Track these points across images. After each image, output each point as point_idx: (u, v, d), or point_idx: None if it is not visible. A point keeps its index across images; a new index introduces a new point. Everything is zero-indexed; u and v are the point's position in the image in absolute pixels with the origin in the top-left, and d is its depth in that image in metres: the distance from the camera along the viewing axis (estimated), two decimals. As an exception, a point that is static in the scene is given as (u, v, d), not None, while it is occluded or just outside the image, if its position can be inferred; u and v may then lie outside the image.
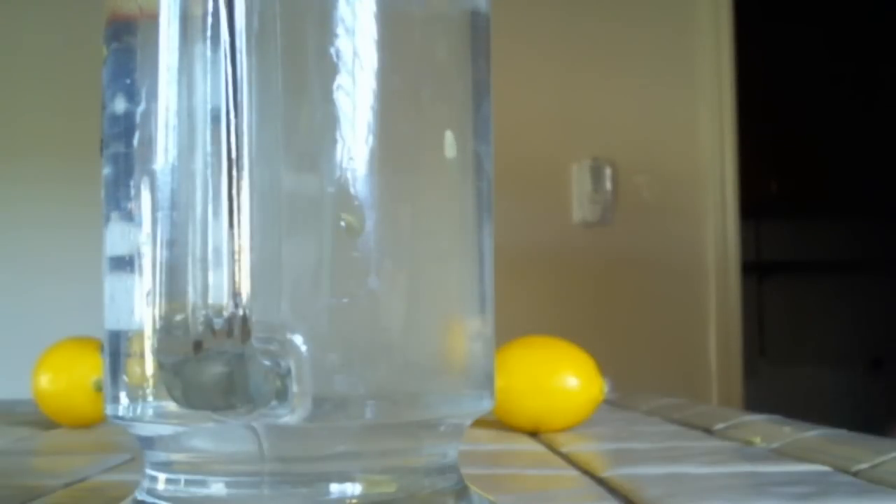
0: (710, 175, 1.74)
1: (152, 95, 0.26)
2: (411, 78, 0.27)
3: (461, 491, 0.29)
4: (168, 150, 0.25)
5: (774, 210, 2.78)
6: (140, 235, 0.27)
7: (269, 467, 0.26)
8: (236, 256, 0.23)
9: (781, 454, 0.47)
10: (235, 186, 0.23)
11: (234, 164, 0.23)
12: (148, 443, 0.28)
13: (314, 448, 0.26)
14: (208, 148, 0.24)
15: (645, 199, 1.72)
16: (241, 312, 0.23)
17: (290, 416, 0.24)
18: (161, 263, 0.25)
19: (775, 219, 2.85)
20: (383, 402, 0.26)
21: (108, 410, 0.28)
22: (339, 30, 0.26)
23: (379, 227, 0.26)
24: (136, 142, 0.27)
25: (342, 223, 0.26)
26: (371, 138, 0.26)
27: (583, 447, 0.53)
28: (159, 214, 0.26)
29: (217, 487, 0.26)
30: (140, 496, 0.28)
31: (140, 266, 0.27)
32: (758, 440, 0.51)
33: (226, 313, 0.23)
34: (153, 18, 0.25)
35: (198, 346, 0.23)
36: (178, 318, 0.24)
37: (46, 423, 0.64)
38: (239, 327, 0.23)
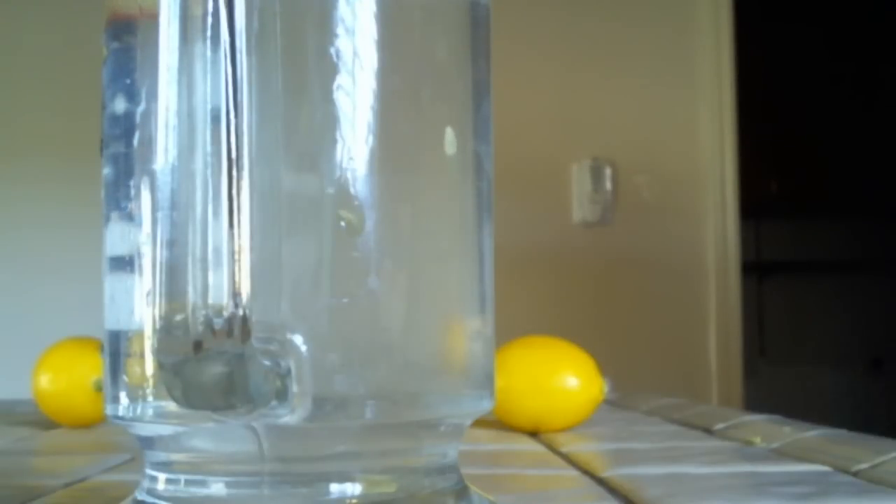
0: (710, 175, 1.74)
1: (152, 95, 0.26)
2: (411, 78, 0.27)
3: (461, 491, 0.29)
4: (168, 150, 0.25)
5: (774, 210, 2.78)
6: (140, 235, 0.27)
7: (269, 467, 0.26)
8: (236, 256, 0.23)
9: (781, 454, 0.47)
10: (235, 186, 0.23)
11: (234, 164, 0.23)
12: (148, 443, 0.28)
13: (314, 448, 0.26)
14: (208, 148, 0.24)
15: (645, 199, 1.72)
16: (241, 312, 0.23)
17: (290, 416, 0.24)
18: (161, 263, 0.25)
19: (775, 219, 2.85)
20: (383, 402, 0.26)
21: (108, 410, 0.28)
22: (339, 30, 0.26)
23: (379, 227, 0.26)
24: (136, 142, 0.27)
25: (342, 223, 0.26)
26: (371, 138, 0.26)
27: (583, 447, 0.53)
28: (159, 214, 0.26)
29: (217, 487, 0.26)
30: (140, 496, 0.28)
31: (140, 266, 0.27)
32: (758, 440, 0.51)
33: (226, 313, 0.23)
34: (153, 18, 0.25)
35: (198, 346, 0.23)
36: (178, 318, 0.24)
37: (46, 423, 0.64)
38: (239, 327, 0.23)
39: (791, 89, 2.77)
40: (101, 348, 0.29)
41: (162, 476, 0.28)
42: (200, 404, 0.24)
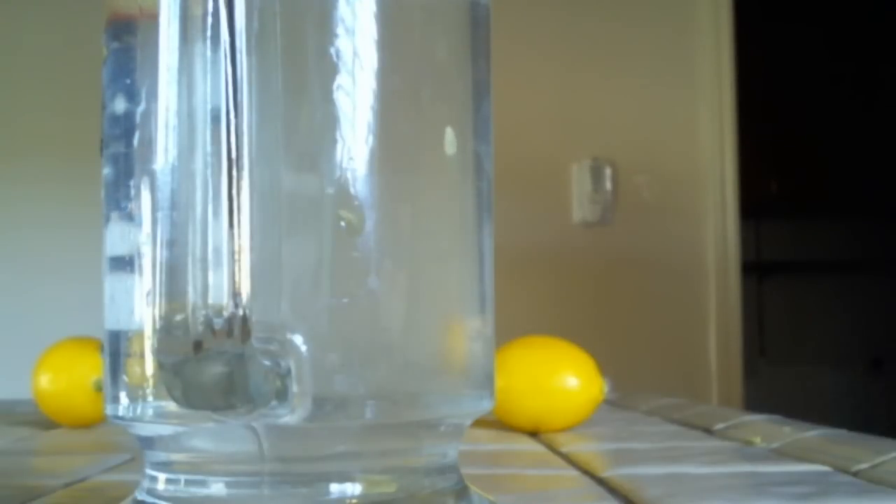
0: (710, 175, 1.74)
1: (152, 95, 0.26)
2: (411, 78, 0.27)
3: (461, 491, 0.29)
4: (168, 150, 0.25)
5: (774, 210, 2.78)
6: (140, 235, 0.27)
7: (269, 467, 0.26)
8: (236, 256, 0.23)
9: (781, 454, 0.47)
10: (235, 186, 0.23)
11: (234, 164, 0.23)
12: (148, 443, 0.28)
13: (314, 448, 0.26)
14: (208, 148, 0.24)
15: (645, 199, 1.72)
16: (241, 312, 0.23)
17: (290, 416, 0.24)
18: (161, 263, 0.25)
19: (775, 219, 2.85)
20: (383, 402, 0.26)
21: (108, 410, 0.28)
22: (339, 30, 0.26)
23: (379, 227, 0.26)
24: (136, 142, 0.27)
25: (342, 223, 0.26)
26: (371, 138, 0.26)
27: (583, 447, 0.53)
28: (159, 214, 0.26)
29: (217, 487, 0.26)
30: (140, 496, 0.28)
31: (140, 266, 0.27)
32: (758, 440, 0.51)
33: (226, 313, 0.23)
34: (153, 18, 0.25)
35: (198, 346, 0.23)
36: (178, 318, 0.24)
37: (46, 423, 0.64)
38: (239, 327, 0.23)
39: (791, 89, 2.77)
40: (101, 348, 0.29)
41: (162, 476, 0.28)
42: (200, 404, 0.24)
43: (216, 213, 0.23)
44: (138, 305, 0.27)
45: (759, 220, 2.73)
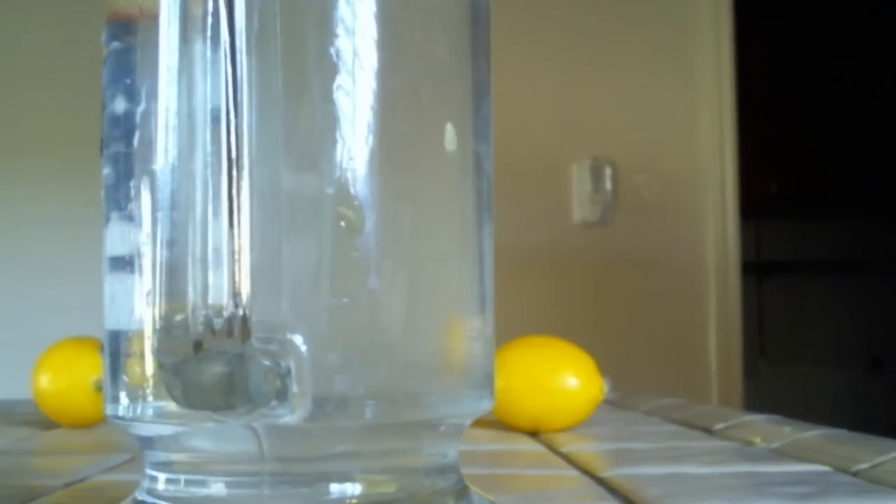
0: (710, 175, 1.74)
1: (152, 95, 0.26)
2: (411, 78, 0.27)
3: (461, 491, 0.29)
4: (168, 150, 0.25)
5: (774, 210, 2.78)
6: (140, 235, 0.27)
7: (269, 467, 0.26)
8: (236, 256, 0.23)
9: (781, 454, 0.47)
10: (235, 186, 0.23)
11: (234, 164, 0.23)
12: (148, 443, 0.28)
13: (314, 448, 0.26)
14: (208, 148, 0.24)
15: (645, 199, 1.72)
16: (241, 312, 0.23)
17: (290, 416, 0.24)
18: (161, 263, 0.25)
19: (775, 219, 2.86)
20: (383, 402, 0.26)
21: (108, 410, 0.28)
22: (339, 30, 0.26)
23: (379, 227, 0.26)
24: (136, 142, 0.27)
25: (342, 223, 0.26)
26: (371, 138, 0.26)
27: (583, 447, 0.53)
28: (159, 214, 0.26)
29: (217, 487, 0.26)
30: (140, 496, 0.28)
31: (140, 266, 0.27)
32: (758, 440, 0.51)
33: (226, 313, 0.23)
34: (153, 18, 0.25)
35: (198, 346, 0.23)
36: (178, 318, 0.24)
37: (46, 423, 0.64)
38: (239, 327, 0.23)
39: (791, 89, 2.77)
40: (101, 348, 0.29)
41: (162, 476, 0.28)
42: (200, 404, 0.24)
43: (216, 213, 0.23)
44: (138, 305, 0.27)
45: (759, 220, 2.73)
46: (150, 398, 0.27)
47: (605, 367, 0.61)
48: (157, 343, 0.25)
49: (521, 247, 1.65)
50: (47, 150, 1.67)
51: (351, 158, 0.26)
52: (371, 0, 0.26)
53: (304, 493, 0.26)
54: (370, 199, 0.26)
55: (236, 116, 0.24)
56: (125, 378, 0.27)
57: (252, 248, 0.24)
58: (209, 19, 0.24)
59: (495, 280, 0.30)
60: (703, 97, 1.74)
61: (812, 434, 0.52)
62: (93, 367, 0.60)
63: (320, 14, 0.26)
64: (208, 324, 0.23)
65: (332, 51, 0.26)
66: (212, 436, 0.26)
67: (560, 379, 0.59)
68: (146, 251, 0.26)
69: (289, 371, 0.24)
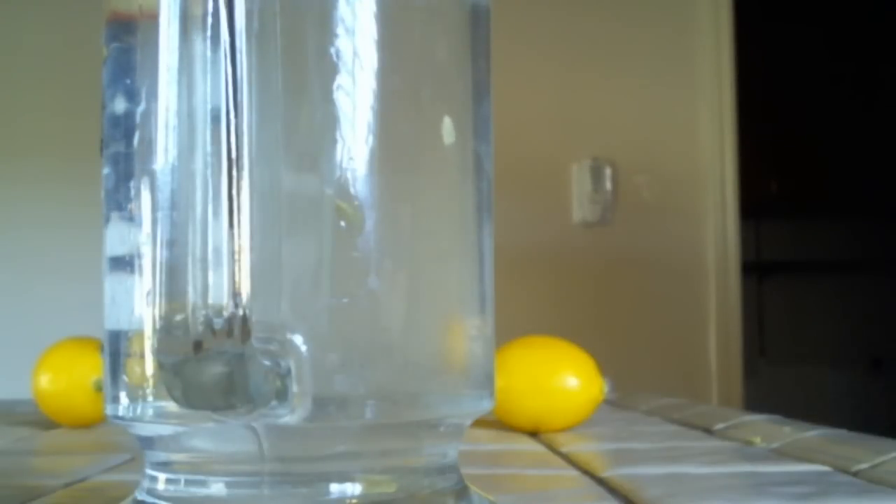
0: (710, 175, 1.74)
1: (152, 95, 0.26)
2: (411, 78, 0.27)
3: (461, 491, 0.29)
4: (168, 150, 0.25)
5: (774, 210, 2.78)
6: (140, 236, 0.27)
7: (269, 467, 0.26)
8: (236, 256, 0.23)
9: (781, 454, 0.47)
10: (235, 186, 0.23)
11: (234, 164, 0.23)
12: (148, 443, 0.28)
13: (314, 448, 0.26)
14: (208, 148, 0.24)
15: (645, 199, 1.72)
16: (241, 312, 0.23)
17: (290, 416, 0.24)
18: (161, 263, 0.25)
19: (775, 219, 2.86)
20: (383, 402, 0.26)
21: (108, 410, 0.28)
22: (339, 30, 0.26)
23: (379, 227, 0.26)
24: (136, 142, 0.27)
25: (342, 222, 0.26)
26: (371, 138, 0.26)
27: (583, 447, 0.53)
28: (159, 214, 0.26)
29: (217, 487, 0.26)
30: (140, 496, 0.28)
31: (140, 266, 0.27)
32: (758, 440, 0.51)
33: (226, 313, 0.23)
34: (153, 18, 0.25)
35: (198, 346, 0.23)
36: (178, 318, 0.24)
37: (46, 423, 0.64)
38: (239, 327, 0.23)
39: (791, 89, 2.77)
40: (101, 348, 0.29)
41: (162, 476, 0.28)
42: (200, 404, 0.24)
43: (216, 213, 0.23)
44: (138, 305, 0.27)
45: (759, 220, 2.73)
46: (150, 398, 0.27)
47: (605, 367, 0.61)
48: (157, 343, 0.25)
49: (521, 247, 1.65)
50: (47, 150, 1.67)
51: (351, 158, 0.26)
52: (371, 0, 0.26)
53: (304, 493, 0.26)
54: (370, 199, 0.26)
55: (236, 116, 0.24)
56: (125, 378, 0.27)
57: (252, 248, 0.24)
58: (209, 19, 0.24)
59: (495, 280, 0.30)
60: (703, 97, 1.74)
61: (812, 434, 0.52)
62: (93, 367, 0.60)
63: (320, 14, 0.26)
64: (208, 324, 0.23)
65: (332, 51, 0.26)
66: (212, 436, 0.26)
67: (560, 379, 0.59)
68: (146, 251, 0.26)
69: (289, 371, 0.24)
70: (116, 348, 0.28)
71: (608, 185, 1.71)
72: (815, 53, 2.80)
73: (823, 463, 0.43)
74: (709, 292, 1.73)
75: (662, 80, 1.74)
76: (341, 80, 0.26)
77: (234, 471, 0.26)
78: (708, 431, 0.57)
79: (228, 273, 0.23)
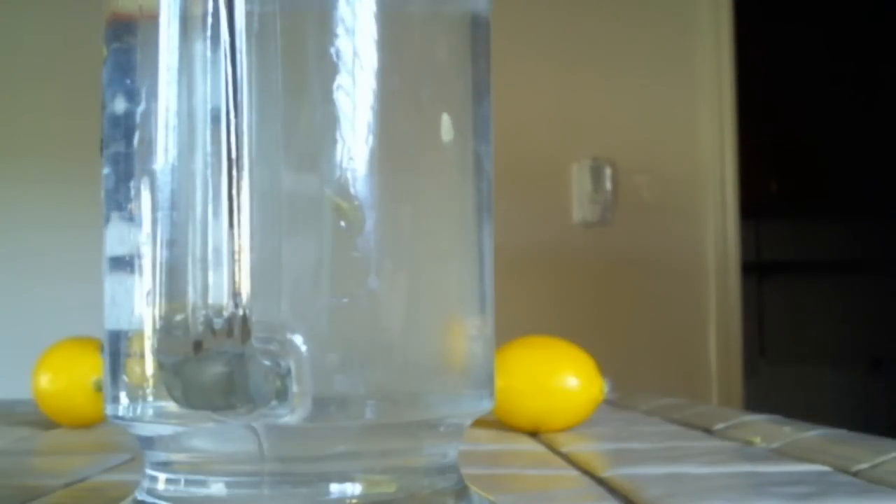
0: (710, 175, 1.74)
1: (152, 95, 0.26)
2: (411, 78, 0.27)
3: (461, 491, 0.29)
4: (168, 150, 0.25)
5: (774, 210, 2.78)
6: (140, 236, 0.27)
7: (269, 467, 0.26)
8: (236, 256, 0.23)
9: (781, 454, 0.47)
10: (235, 186, 0.23)
11: (234, 164, 0.23)
12: (148, 443, 0.28)
13: (314, 448, 0.26)
14: (208, 148, 0.24)
15: (645, 199, 1.72)
16: (241, 312, 0.23)
17: (290, 416, 0.24)
18: (161, 263, 0.25)
19: (775, 219, 2.86)
20: (383, 402, 0.26)
21: (108, 410, 0.28)
22: (339, 30, 0.26)
23: (379, 227, 0.26)
24: (136, 142, 0.27)
25: (342, 223, 0.26)
26: (371, 138, 0.26)
27: (583, 447, 0.53)
28: (159, 214, 0.26)
29: (217, 487, 0.26)
30: (140, 496, 0.28)
31: (140, 266, 0.27)
32: (758, 440, 0.51)
33: (226, 313, 0.23)
34: (153, 18, 0.25)
35: (198, 346, 0.23)
36: (178, 318, 0.24)
37: (46, 423, 0.64)
38: (239, 327, 0.23)
39: (791, 89, 2.77)
40: (101, 348, 0.29)
41: (162, 476, 0.28)
42: (200, 404, 0.24)
43: (216, 213, 0.23)
44: (138, 305, 0.27)
45: (759, 220, 2.73)
46: (150, 398, 0.27)
47: (605, 367, 0.61)
48: (157, 343, 0.25)
49: (521, 247, 1.65)
50: (47, 150, 1.67)
51: (351, 158, 0.26)
52: (371, 0, 0.26)
53: (304, 493, 0.26)
54: (370, 198, 0.26)
55: (236, 116, 0.24)
56: (125, 378, 0.27)
57: (252, 248, 0.24)
58: (209, 19, 0.24)
59: (495, 280, 0.30)
60: (703, 97, 1.74)
61: (812, 434, 0.52)
62: (93, 367, 0.60)
63: (320, 14, 0.26)
64: (208, 324, 0.23)
65: (332, 51, 0.26)
66: (212, 436, 0.26)
67: (560, 379, 0.59)
68: (146, 251, 0.26)
69: (289, 371, 0.24)
70: (116, 348, 0.28)
71: (608, 185, 1.71)
72: (815, 53, 2.80)
73: (823, 463, 0.43)
74: (709, 292, 1.73)
75: (662, 80, 1.74)
76: (341, 80, 0.26)
77: (234, 471, 0.26)
78: (708, 431, 0.57)
79: (228, 273, 0.23)
